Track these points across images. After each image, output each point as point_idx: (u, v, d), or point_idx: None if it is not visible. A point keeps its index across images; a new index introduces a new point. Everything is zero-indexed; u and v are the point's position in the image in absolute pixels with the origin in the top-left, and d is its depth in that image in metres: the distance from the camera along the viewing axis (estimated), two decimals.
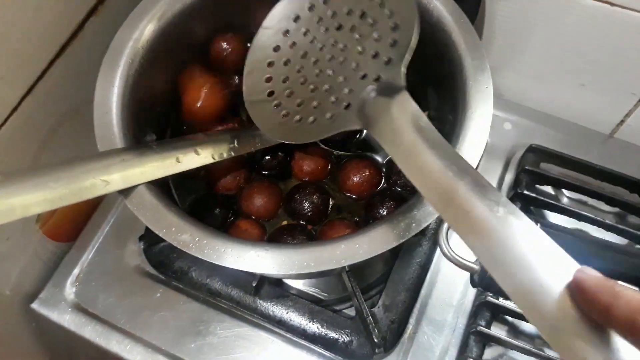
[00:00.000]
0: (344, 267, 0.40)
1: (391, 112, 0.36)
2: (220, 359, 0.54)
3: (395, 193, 0.52)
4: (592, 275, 0.24)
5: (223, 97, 0.54)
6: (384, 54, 0.40)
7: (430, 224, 0.40)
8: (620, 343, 0.23)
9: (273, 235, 0.51)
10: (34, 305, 0.57)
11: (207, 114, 0.54)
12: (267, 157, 0.54)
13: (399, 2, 0.40)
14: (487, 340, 0.53)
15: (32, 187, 0.36)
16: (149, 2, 0.49)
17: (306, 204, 0.51)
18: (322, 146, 0.55)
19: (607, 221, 0.56)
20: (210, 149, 0.46)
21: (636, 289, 0.25)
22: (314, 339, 0.54)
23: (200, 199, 0.53)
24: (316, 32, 0.44)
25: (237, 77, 0.56)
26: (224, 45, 0.56)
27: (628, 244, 0.59)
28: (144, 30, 0.48)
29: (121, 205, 0.63)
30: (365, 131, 0.57)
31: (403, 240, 0.39)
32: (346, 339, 0.54)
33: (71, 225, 0.62)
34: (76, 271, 0.59)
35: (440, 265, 0.58)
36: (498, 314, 0.55)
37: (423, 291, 0.56)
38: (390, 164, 0.54)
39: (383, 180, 0.54)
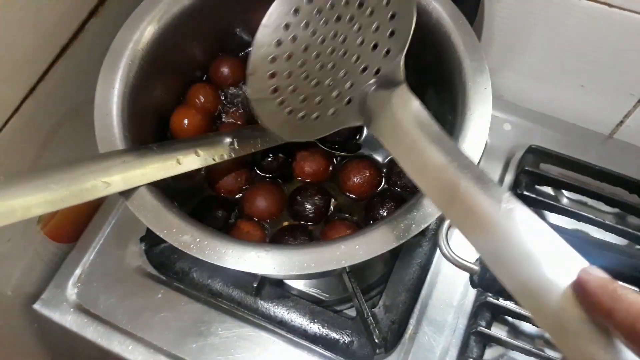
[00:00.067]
0: (344, 267, 0.40)
1: (391, 107, 0.36)
2: (221, 359, 0.54)
3: (395, 194, 0.52)
4: (596, 276, 0.23)
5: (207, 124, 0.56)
6: (383, 45, 0.40)
7: (430, 224, 0.41)
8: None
9: (275, 237, 0.51)
10: (36, 306, 0.58)
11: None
12: (268, 159, 0.54)
13: None
14: (488, 340, 0.53)
15: (33, 188, 0.36)
16: (149, 4, 0.49)
17: (308, 206, 0.51)
18: (323, 147, 0.55)
19: (606, 222, 0.56)
20: (211, 151, 0.46)
21: (637, 290, 0.25)
22: (314, 339, 0.54)
23: (201, 201, 0.53)
24: (316, 24, 0.44)
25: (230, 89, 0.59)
26: (224, 70, 0.58)
27: (628, 245, 0.59)
28: (144, 31, 0.48)
29: (122, 206, 0.63)
30: (365, 132, 0.57)
31: (403, 241, 0.39)
32: (347, 339, 0.54)
33: (72, 227, 0.62)
34: (78, 272, 0.59)
35: (440, 266, 0.58)
36: (498, 314, 0.55)
37: (423, 292, 0.56)
38: (391, 164, 0.54)
39: (383, 181, 0.54)
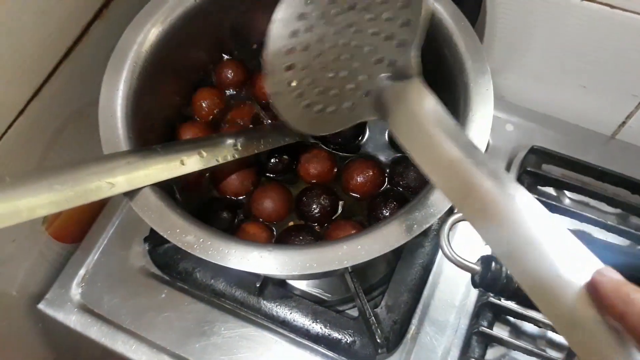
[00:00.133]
0: (346, 268, 0.40)
1: (406, 101, 0.35)
2: (224, 359, 0.54)
3: (397, 194, 0.52)
4: (610, 278, 0.23)
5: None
6: (397, 35, 0.39)
7: (432, 225, 0.41)
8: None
9: (281, 237, 0.51)
10: (40, 306, 0.58)
11: None
12: (273, 161, 0.54)
13: None
14: (490, 340, 0.53)
15: (38, 189, 0.37)
16: (153, 6, 0.50)
17: (314, 206, 0.52)
18: (326, 148, 0.55)
19: (609, 222, 0.56)
20: (214, 152, 0.47)
21: None
22: (317, 339, 0.54)
23: (206, 203, 0.53)
24: (330, 14, 0.44)
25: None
26: (228, 73, 0.59)
27: (630, 245, 0.59)
28: (148, 33, 0.49)
29: (126, 207, 0.63)
30: (367, 132, 0.57)
31: (405, 242, 0.40)
32: (349, 339, 0.54)
33: (77, 227, 0.62)
34: (82, 272, 0.60)
35: (442, 266, 0.58)
36: (500, 314, 0.55)
37: (425, 292, 0.57)
38: (393, 165, 0.55)
39: (386, 181, 0.54)
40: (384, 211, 0.50)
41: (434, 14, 0.49)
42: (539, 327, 0.53)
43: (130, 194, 0.41)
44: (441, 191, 0.32)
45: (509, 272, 0.40)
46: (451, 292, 0.57)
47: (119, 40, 0.48)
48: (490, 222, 0.28)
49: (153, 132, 0.51)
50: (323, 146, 0.56)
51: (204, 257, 0.39)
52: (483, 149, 0.43)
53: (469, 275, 0.43)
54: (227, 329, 0.56)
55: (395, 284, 0.56)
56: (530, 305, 0.47)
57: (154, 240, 0.58)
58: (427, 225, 0.40)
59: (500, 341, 0.53)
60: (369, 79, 0.40)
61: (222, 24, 0.57)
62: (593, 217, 0.57)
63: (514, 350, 0.53)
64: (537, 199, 0.59)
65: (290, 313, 0.56)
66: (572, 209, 0.58)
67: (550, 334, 0.55)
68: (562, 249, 0.25)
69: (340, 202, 0.54)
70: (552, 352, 0.53)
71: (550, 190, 0.64)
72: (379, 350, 0.52)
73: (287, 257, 0.39)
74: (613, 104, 0.63)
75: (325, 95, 0.43)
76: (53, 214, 0.54)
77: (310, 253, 0.39)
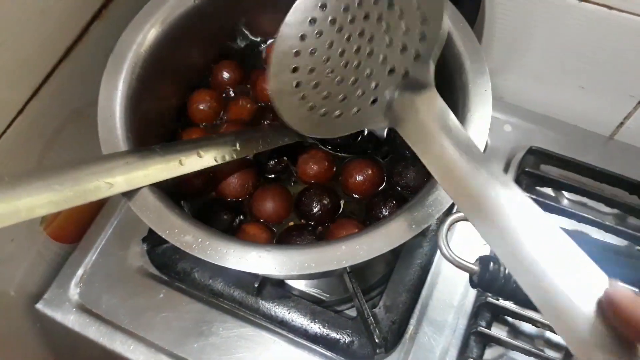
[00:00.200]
0: (345, 268, 0.41)
1: (419, 111, 0.35)
2: (222, 359, 0.54)
3: (396, 193, 0.53)
4: (624, 292, 0.23)
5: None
6: (413, 47, 0.39)
7: (430, 225, 0.41)
8: None
9: (282, 237, 0.51)
10: (39, 306, 0.58)
11: None
12: (272, 162, 0.54)
13: None
14: (488, 340, 0.53)
15: (36, 189, 0.37)
16: (153, 7, 0.50)
17: (315, 205, 0.52)
18: (324, 148, 0.55)
19: (607, 223, 0.57)
20: (213, 152, 0.47)
21: (638, 290, 0.25)
22: (315, 339, 0.54)
23: (206, 204, 0.53)
24: (343, 21, 0.44)
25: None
26: (225, 75, 0.59)
27: (628, 245, 0.59)
28: (147, 34, 0.49)
29: (125, 207, 0.63)
30: (366, 132, 0.57)
31: (403, 242, 0.40)
32: (347, 339, 0.54)
33: (75, 227, 0.62)
34: (80, 272, 0.60)
35: (441, 267, 0.58)
36: (498, 314, 0.55)
37: (424, 292, 0.57)
38: (392, 164, 0.55)
39: (385, 181, 0.54)
40: (383, 210, 0.50)
41: None
42: (537, 327, 0.53)
43: (129, 194, 0.41)
44: (453, 201, 0.32)
45: (506, 272, 0.40)
46: (449, 292, 0.57)
47: (118, 40, 0.48)
48: (500, 236, 0.28)
49: (152, 132, 0.51)
50: (321, 146, 0.56)
51: (202, 257, 0.39)
52: (482, 149, 0.43)
53: (467, 275, 0.43)
54: (225, 329, 0.56)
55: (393, 284, 0.56)
56: (528, 305, 0.47)
57: (153, 240, 0.58)
58: (426, 226, 0.40)
59: (498, 341, 0.53)
60: (380, 87, 0.40)
61: (221, 24, 0.57)
62: (591, 217, 0.57)
63: (512, 350, 0.53)
64: (535, 199, 0.59)
65: (289, 313, 0.56)
66: (570, 210, 0.58)
67: (548, 334, 0.55)
68: (571, 266, 0.26)
69: (341, 202, 0.54)
70: (550, 352, 0.53)
71: (549, 190, 0.64)
72: (377, 350, 0.52)
73: (286, 257, 0.39)
74: (611, 105, 0.63)
75: (331, 100, 0.43)
76: (51, 214, 0.54)
77: (308, 253, 0.39)
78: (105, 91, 0.46)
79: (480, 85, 0.45)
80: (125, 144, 0.44)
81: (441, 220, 0.43)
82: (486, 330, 0.53)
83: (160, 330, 0.56)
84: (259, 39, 0.62)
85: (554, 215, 0.59)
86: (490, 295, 0.53)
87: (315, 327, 0.55)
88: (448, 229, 0.43)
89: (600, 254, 0.54)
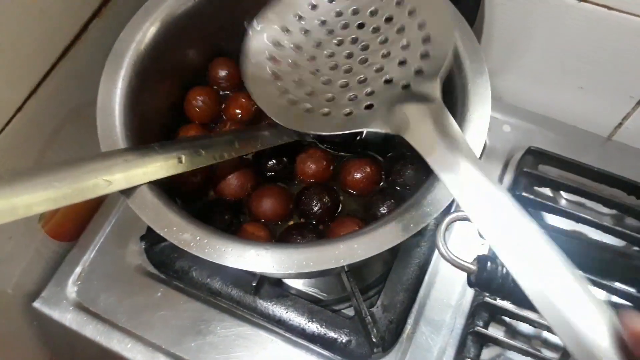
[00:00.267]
0: (343, 267, 0.41)
1: (422, 123, 0.35)
2: (220, 357, 0.54)
3: (394, 192, 0.53)
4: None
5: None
6: (413, 63, 0.38)
7: (428, 224, 0.41)
8: None
9: (282, 236, 0.51)
10: (36, 304, 0.58)
11: None
12: (270, 162, 0.54)
13: (432, 14, 0.39)
14: (485, 340, 0.54)
15: (35, 186, 0.37)
16: (152, 5, 0.50)
17: (315, 204, 0.52)
18: (322, 147, 0.55)
19: (604, 223, 0.57)
20: (212, 150, 0.46)
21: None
22: (313, 338, 0.55)
23: (205, 204, 0.53)
24: (335, 25, 0.43)
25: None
26: (222, 71, 0.58)
27: (625, 246, 0.59)
28: (146, 32, 0.49)
29: (123, 205, 0.63)
30: (365, 132, 0.57)
31: (401, 241, 0.40)
32: (345, 338, 0.54)
33: (73, 225, 0.62)
34: (78, 270, 0.60)
35: (438, 266, 0.58)
36: (496, 314, 0.55)
37: (421, 291, 0.57)
38: (390, 163, 0.55)
39: (383, 179, 0.54)
40: (381, 209, 0.50)
41: None
42: (535, 327, 0.54)
43: (128, 192, 0.41)
44: (466, 212, 0.32)
45: (504, 272, 0.40)
46: (447, 292, 0.57)
47: (118, 39, 0.48)
48: (513, 247, 0.29)
49: (151, 130, 0.51)
50: (320, 145, 0.56)
51: (200, 255, 0.39)
52: (480, 149, 0.43)
53: (465, 275, 0.44)
54: (223, 327, 0.56)
55: (391, 284, 0.56)
56: (525, 305, 0.47)
57: (151, 238, 0.58)
58: (424, 225, 0.40)
59: (495, 341, 0.53)
60: (376, 94, 0.40)
61: (222, 22, 0.57)
62: (589, 218, 0.57)
63: (509, 350, 0.53)
64: (534, 199, 0.59)
65: (286, 312, 0.56)
66: (568, 210, 0.58)
67: (546, 334, 0.55)
68: (584, 307, 0.26)
69: (340, 199, 0.54)
70: (547, 352, 0.53)
71: (547, 191, 0.64)
72: (375, 350, 0.52)
73: (284, 255, 0.39)
74: (610, 106, 0.63)
75: (315, 97, 0.43)
76: (49, 211, 0.53)
77: (306, 251, 0.39)
78: (104, 89, 0.46)
79: (480, 85, 0.45)
80: (124, 141, 0.44)
81: (439, 220, 0.43)
82: (483, 330, 0.53)
83: (158, 329, 0.56)
84: None
85: (552, 216, 0.59)
86: (487, 295, 0.53)
87: (313, 327, 0.55)
88: (446, 228, 0.43)
89: (597, 254, 0.54)
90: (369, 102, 0.40)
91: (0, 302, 0.57)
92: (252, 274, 0.55)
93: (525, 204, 0.59)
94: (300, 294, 0.58)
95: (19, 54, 0.48)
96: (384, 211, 0.50)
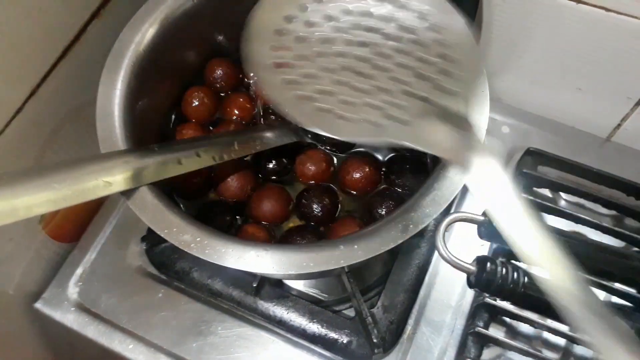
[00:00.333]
0: (343, 268, 0.41)
1: (459, 145, 0.35)
2: (221, 358, 0.54)
3: (394, 193, 0.53)
4: None
5: None
6: (440, 80, 0.38)
7: (428, 225, 0.41)
8: None
9: (283, 238, 0.51)
10: (37, 305, 0.58)
11: None
12: (270, 163, 0.55)
13: (454, 33, 0.39)
14: (485, 341, 0.54)
15: (35, 187, 0.37)
16: (151, 6, 0.50)
17: (316, 207, 0.52)
18: (322, 148, 0.55)
19: (604, 224, 0.57)
20: (211, 151, 0.47)
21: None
22: (313, 339, 0.55)
23: (206, 206, 0.54)
24: (342, 22, 0.41)
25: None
26: (218, 71, 0.58)
27: (625, 247, 0.59)
28: (145, 33, 0.49)
29: (123, 206, 0.63)
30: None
31: (401, 242, 0.40)
32: (345, 339, 0.54)
33: (74, 226, 0.62)
34: (79, 271, 0.60)
35: (438, 267, 0.58)
36: (496, 315, 0.55)
37: (422, 292, 0.57)
38: (390, 163, 0.55)
39: (382, 179, 0.54)
40: (380, 210, 0.51)
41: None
42: (535, 327, 0.54)
43: (128, 193, 0.42)
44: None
45: (504, 273, 0.41)
46: (447, 293, 0.57)
47: (117, 39, 0.48)
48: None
49: (150, 131, 0.52)
50: (319, 146, 0.56)
51: (200, 256, 0.39)
52: None
53: (465, 275, 0.44)
54: (224, 328, 0.56)
55: (391, 284, 0.56)
56: (525, 306, 0.48)
57: (151, 239, 0.59)
58: (423, 226, 0.40)
59: (496, 342, 0.53)
60: (404, 109, 0.38)
61: (220, 23, 0.57)
62: (588, 218, 0.57)
63: (510, 350, 0.53)
64: (533, 200, 0.59)
65: (287, 313, 0.56)
66: (567, 211, 0.58)
67: (546, 335, 0.55)
68: None
69: (339, 200, 0.54)
70: (547, 353, 0.53)
71: (546, 191, 0.64)
72: (375, 350, 0.52)
73: (284, 256, 0.39)
74: (609, 107, 0.63)
75: (328, 96, 0.41)
76: (50, 212, 0.54)
77: (306, 252, 0.39)
78: (103, 90, 0.46)
79: (478, 86, 0.45)
80: (124, 142, 0.44)
81: (439, 221, 0.43)
82: (484, 331, 0.53)
83: (159, 329, 0.56)
84: None
85: (552, 217, 0.59)
86: (487, 295, 0.53)
87: (314, 327, 0.55)
88: (445, 229, 0.43)
89: (597, 255, 0.54)
90: (397, 114, 0.38)
91: (2, 303, 0.57)
92: (252, 275, 0.56)
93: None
94: (301, 295, 0.58)
95: (18, 55, 0.48)
96: (383, 212, 0.50)
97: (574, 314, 0.27)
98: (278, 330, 0.56)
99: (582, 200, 0.62)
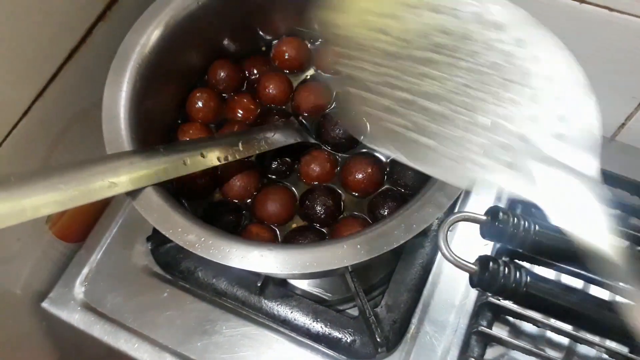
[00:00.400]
0: (347, 267, 0.41)
1: (574, 198, 0.31)
2: (225, 357, 0.55)
3: (397, 193, 0.53)
4: None
5: None
6: (548, 122, 0.34)
7: (432, 224, 0.41)
8: None
9: (286, 239, 0.52)
10: (44, 305, 0.59)
11: None
12: (275, 164, 0.55)
13: (559, 64, 0.36)
14: (489, 340, 0.54)
15: (42, 188, 0.37)
16: (156, 9, 0.50)
17: (318, 208, 0.52)
18: (326, 149, 0.56)
19: None
20: (216, 152, 0.47)
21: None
22: (317, 338, 0.55)
23: (211, 206, 0.54)
24: (423, 44, 0.37)
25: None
26: (221, 73, 0.59)
27: (629, 246, 0.59)
28: (151, 35, 0.49)
29: (129, 206, 0.64)
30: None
31: (404, 241, 0.40)
32: (349, 338, 0.54)
33: (80, 226, 0.63)
34: (85, 271, 0.60)
35: (442, 266, 0.58)
36: (499, 314, 0.55)
37: (425, 291, 0.57)
38: (393, 164, 0.55)
39: (385, 180, 0.54)
40: (382, 210, 0.51)
41: None
42: (538, 327, 0.54)
43: (133, 194, 0.42)
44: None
45: (506, 272, 0.41)
46: (451, 292, 0.57)
47: (122, 42, 0.49)
48: None
49: (155, 132, 0.52)
50: (324, 147, 0.56)
51: (205, 256, 0.40)
52: None
53: (468, 275, 0.44)
54: (228, 327, 0.56)
55: (395, 284, 0.57)
56: (528, 305, 0.48)
57: (157, 239, 0.59)
58: (426, 225, 0.40)
59: (499, 341, 0.53)
60: (506, 150, 0.34)
61: (225, 25, 0.58)
62: None
63: (513, 349, 0.53)
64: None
65: (291, 312, 0.56)
66: None
67: (550, 334, 0.55)
68: None
69: (342, 200, 0.54)
70: (551, 352, 0.53)
71: None
72: (379, 350, 0.52)
73: (288, 256, 0.40)
74: (613, 106, 0.63)
75: (407, 118, 0.36)
76: (57, 213, 0.54)
77: (310, 252, 0.40)
78: (109, 92, 0.47)
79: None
80: (130, 144, 0.45)
81: (442, 220, 0.43)
82: (487, 330, 0.53)
83: (164, 328, 0.56)
84: (268, 36, 0.63)
85: None
86: (491, 295, 0.53)
87: (318, 326, 0.55)
88: (448, 229, 0.43)
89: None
90: (498, 154, 0.34)
91: (9, 303, 0.57)
92: (257, 275, 0.56)
93: (528, 204, 0.59)
94: (305, 294, 0.58)
95: (25, 57, 0.48)
96: (385, 213, 0.50)
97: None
98: (282, 329, 0.56)
99: None
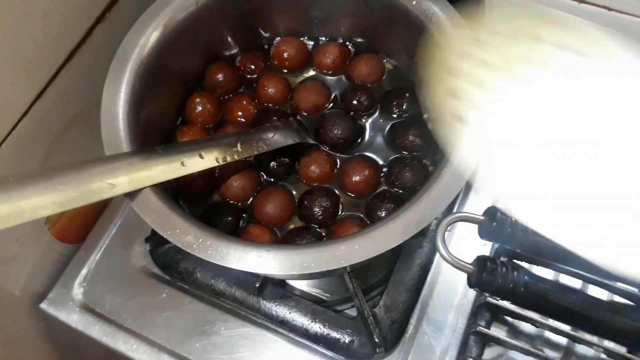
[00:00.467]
0: (345, 268, 0.41)
1: None
2: (224, 358, 0.55)
3: (394, 194, 0.53)
4: None
5: None
6: None
7: (430, 225, 0.41)
8: None
9: (284, 239, 0.52)
10: (43, 305, 0.59)
11: None
12: (273, 164, 0.55)
13: None
14: (487, 340, 0.54)
15: (41, 190, 0.37)
16: (155, 10, 0.50)
17: (317, 209, 0.52)
18: (325, 150, 0.56)
19: None
20: (214, 153, 0.47)
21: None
22: (316, 338, 0.55)
23: (210, 207, 0.54)
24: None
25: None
26: (218, 76, 0.59)
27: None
28: (150, 37, 0.49)
29: (128, 207, 0.64)
30: (367, 135, 0.58)
31: (402, 241, 0.40)
32: (348, 338, 0.55)
33: (79, 227, 0.63)
34: (84, 272, 0.60)
35: (440, 267, 0.58)
36: (498, 314, 0.55)
37: (424, 292, 0.57)
38: (391, 165, 0.55)
39: (382, 182, 0.54)
40: (380, 212, 0.51)
41: (432, 18, 0.49)
42: (536, 327, 0.54)
43: (132, 195, 0.42)
44: None
45: (503, 272, 0.41)
46: (449, 292, 0.57)
47: (122, 43, 0.49)
48: None
49: (154, 133, 0.52)
50: (323, 147, 0.56)
51: (203, 257, 0.40)
52: (480, 151, 0.43)
53: (466, 275, 0.44)
54: (227, 328, 0.56)
55: (393, 284, 0.57)
56: (526, 305, 0.48)
57: (155, 240, 0.59)
58: (424, 226, 0.40)
59: (497, 341, 0.53)
60: None
61: (223, 26, 0.58)
62: None
63: (512, 350, 0.53)
64: None
65: (290, 313, 0.56)
66: None
67: (548, 334, 0.55)
68: None
69: (341, 201, 0.54)
70: (549, 352, 0.53)
71: None
72: (377, 350, 0.52)
73: (285, 256, 0.40)
74: None
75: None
76: (56, 214, 0.54)
77: (308, 253, 0.40)
78: (108, 93, 0.47)
79: None
80: (128, 145, 0.45)
81: (440, 221, 0.43)
82: (485, 330, 0.53)
83: (163, 329, 0.56)
84: (268, 35, 0.63)
85: None
86: (489, 295, 0.54)
87: (316, 327, 0.55)
88: (446, 230, 0.43)
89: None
90: None
91: (8, 304, 0.57)
92: (255, 275, 0.56)
93: None
94: (304, 295, 0.58)
95: (24, 59, 0.48)
96: (382, 215, 0.50)
97: None
98: (281, 330, 0.56)
99: None
